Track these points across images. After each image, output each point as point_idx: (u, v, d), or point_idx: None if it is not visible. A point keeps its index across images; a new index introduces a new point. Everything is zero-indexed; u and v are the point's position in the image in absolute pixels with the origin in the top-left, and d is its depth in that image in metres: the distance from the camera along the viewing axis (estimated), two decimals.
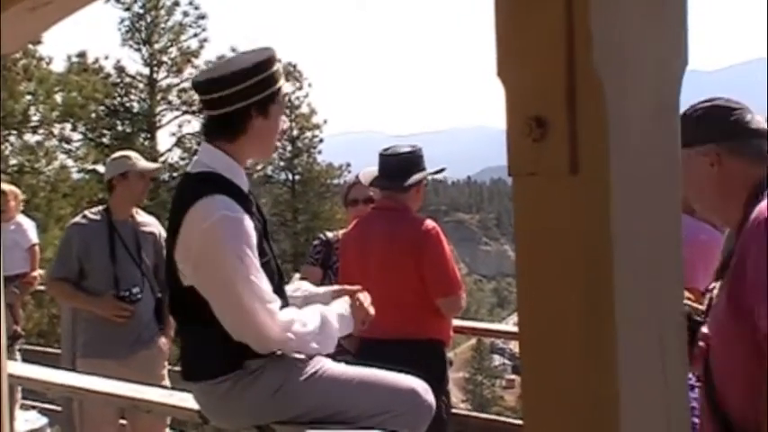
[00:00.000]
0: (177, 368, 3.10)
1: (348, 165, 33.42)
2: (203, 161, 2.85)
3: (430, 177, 4.65)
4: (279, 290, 2.84)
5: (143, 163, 5.30)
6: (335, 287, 3.14)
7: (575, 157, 1.19)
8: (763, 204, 2.18)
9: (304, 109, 32.84)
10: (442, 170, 4.82)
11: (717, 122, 2.41)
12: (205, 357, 2.79)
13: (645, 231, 1.24)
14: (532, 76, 1.23)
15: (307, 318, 2.75)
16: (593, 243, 1.19)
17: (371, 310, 2.95)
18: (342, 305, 2.91)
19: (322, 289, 3.17)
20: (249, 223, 2.69)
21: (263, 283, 2.67)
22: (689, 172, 2.36)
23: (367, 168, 4.72)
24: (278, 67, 2.83)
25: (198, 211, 2.69)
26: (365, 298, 2.98)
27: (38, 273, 7.49)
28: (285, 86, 2.88)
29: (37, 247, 7.50)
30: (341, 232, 5.07)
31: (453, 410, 4.97)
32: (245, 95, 2.78)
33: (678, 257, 1.30)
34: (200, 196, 2.72)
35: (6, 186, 7.57)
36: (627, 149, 1.21)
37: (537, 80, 1.23)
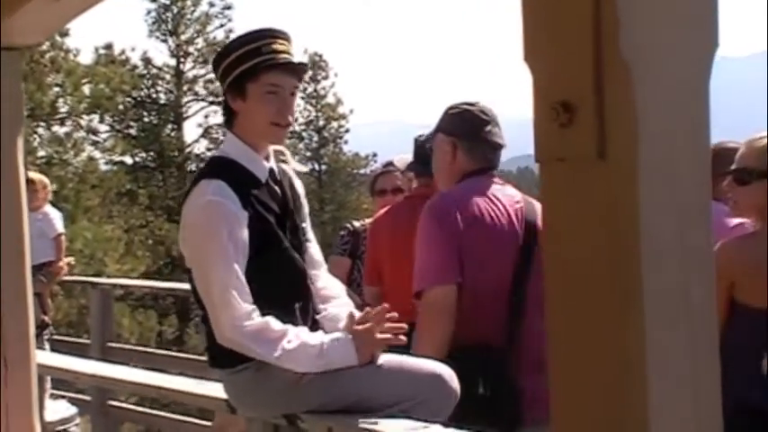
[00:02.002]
0: (205, 357, 3.11)
1: (374, 154, 33.38)
2: (222, 147, 2.92)
3: None
4: (296, 281, 2.82)
5: (294, 163, 5.39)
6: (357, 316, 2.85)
7: (602, 142, 1.18)
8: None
9: (330, 99, 32.85)
10: None
11: (462, 123, 3.23)
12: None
13: (673, 217, 1.22)
14: (560, 61, 1.22)
15: (278, 332, 2.66)
16: (621, 229, 1.18)
17: (380, 337, 2.74)
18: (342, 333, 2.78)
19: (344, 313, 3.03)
20: (235, 211, 2.67)
21: (230, 273, 2.65)
22: (436, 150, 3.24)
23: (398, 156, 4.69)
24: (255, 45, 2.75)
25: (192, 194, 2.75)
26: (377, 324, 2.76)
27: (64, 262, 7.55)
28: (276, 62, 2.76)
29: (63, 237, 7.56)
30: (368, 221, 5.04)
31: None
32: (221, 80, 2.83)
33: (708, 244, 1.28)
34: (199, 180, 2.77)
35: (35, 175, 7.64)
36: (655, 135, 1.19)
37: (564, 65, 1.21)
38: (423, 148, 4.41)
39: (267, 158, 2.87)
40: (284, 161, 5.34)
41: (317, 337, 2.71)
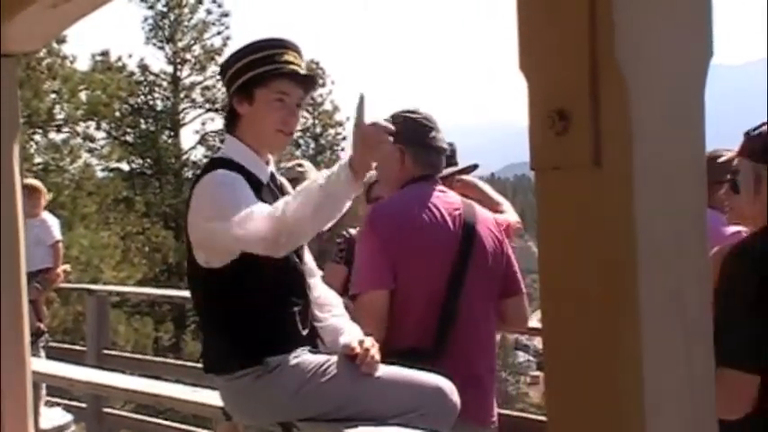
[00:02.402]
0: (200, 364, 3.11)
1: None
2: (223, 149, 2.91)
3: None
4: (295, 286, 2.82)
5: (314, 174, 5.46)
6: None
7: (598, 149, 1.18)
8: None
9: (327, 106, 32.86)
10: (474, 167, 4.65)
11: (408, 130, 3.14)
12: (224, 350, 2.79)
13: (669, 224, 1.22)
14: (555, 70, 1.22)
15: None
16: (617, 236, 1.18)
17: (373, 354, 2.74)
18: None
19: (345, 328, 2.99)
20: (242, 181, 2.68)
21: (244, 199, 2.61)
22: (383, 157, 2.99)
23: None
24: (268, 53, 2.80)
25: (200, 184, 2.75)
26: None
27: (61, 269, 7.55)
28: (288, 71, 2.79)
29: (60, 244, 7.56)
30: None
31: None
32: (229, 83, 2.85)
33: (704, 251, 1.28)
34: (206, 173, 2.78)
35: (36, 182, 7.66)
36: (650, 142, 1.19)
37: (560, 73, 1.21)
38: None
39: (267, 163, 2.89)
40: (302, 171, 5.34)
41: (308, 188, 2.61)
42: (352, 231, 5.31)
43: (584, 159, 1.19)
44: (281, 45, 2.84)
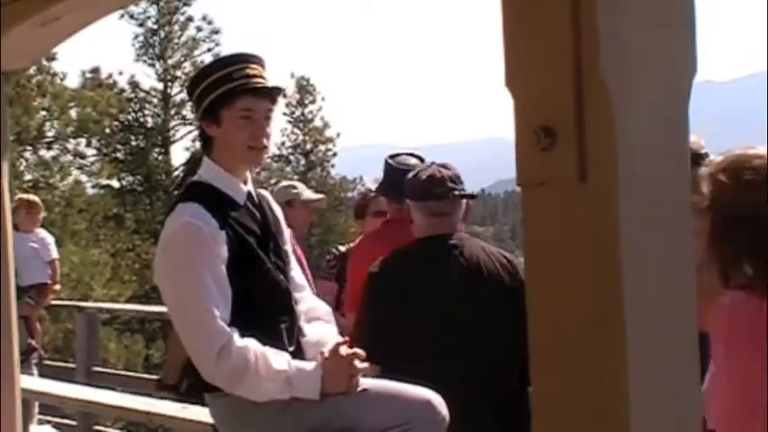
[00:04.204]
0: None
1: (362, 177, 33.41)
2: (200, 172, 2.89)
3: None
4: (280, 302, 2.82)
5: (308, 193, 5.46)
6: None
7: (583, 165, 1.19)
8: None
9: (317, 123, 32.94)
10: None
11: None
12: None
13: (654, 238, 1.23)
14: (540, 86, 1.23)
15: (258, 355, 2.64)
16: (602, 251, 1.19)
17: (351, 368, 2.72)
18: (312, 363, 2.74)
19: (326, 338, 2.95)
20: (210, 232, 2.68)
21: (210, 299, 2.63)
22: None
23: (375, 177, 4.69)
24: (227, 70, 2.77)
25: (169, 218, 2.75)
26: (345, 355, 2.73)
27: (58, 286, 7.58)
28: (248, 87, 2.76)
29: (58, 263, 7.58)
30: (353, 245, 5.04)
31: None
32: (196, 107, 2.85)
33: (688, 265, 1.30)
34: (176, 204, 2.78)
35: (34, 197, 7.69)
36: (635, 157, 1.20)
37: (545, 90, 1.23)
38: (400, 173, 4.38)
39: (245, 182, 2.87)
40: (296, 193, 5.34)
41: (284, 365, 2.67)
42: (342, 248, 5.32)
43: (569, 175, 1.20)
44: (240, 60, 2.80)
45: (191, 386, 2.91)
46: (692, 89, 1.28)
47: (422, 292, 3.21)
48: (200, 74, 2.88)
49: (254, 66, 2.80)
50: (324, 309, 3.07)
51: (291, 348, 2.79)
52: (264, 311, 2.76)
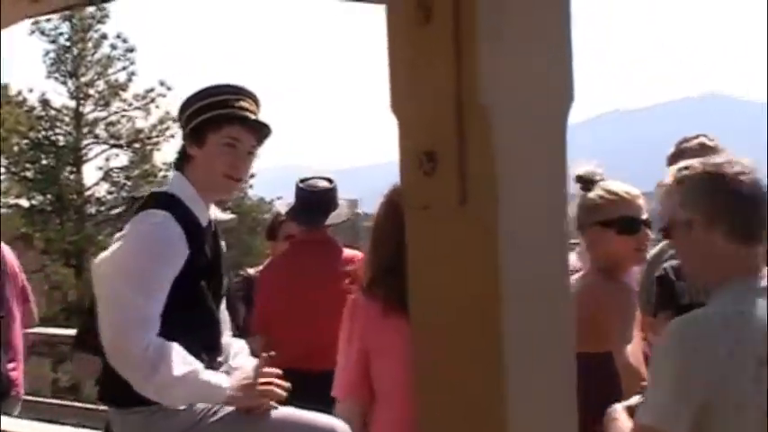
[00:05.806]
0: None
1: (280, 198, 33.25)
2: (168, 184, 2.89)
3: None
4: (209, 338, 2.81)
5: (218, 214, 5.34)
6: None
7: (463, 188, 1.23)
8: None
9: None
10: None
11: None
12: (124, 383, 2.74)
13: (532, 259, 1.27)
14: (424, 113, 1.27)
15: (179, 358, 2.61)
16: (482, 272, 1.22)
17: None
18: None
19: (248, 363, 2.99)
20: (180, 245, 2.67)
21: (158, 294, 2.62)
22: None
23: (285, 201, 4.69)
24: (223, 98, 2.80)
25: (140, 216, 2.74)
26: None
27: None
28: (240, 116, 2.79)
29: None
30: (261, 268, 5.02)
31: None
32: (184, 125, 2.85)
33: (565, 287, 1.34)
34: (144, 209, 2.75)
35: None
36: (514, 183, 1.24)
37: (428, 116, 1.26)
38: (321, 196, 4.40)
39: (208, 208, 2.88)
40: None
41: (199, 364, 2.64)
42: (251, 271, 5.29)
43: (450, 199, 1.23)
44: (237, 91, 2.84)
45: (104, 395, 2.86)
46: (568, 115, 1.33)
47: None
48: (196, 94, 2.86)
49: (249, 100, 2.84)
50: (239, 344, 3.06)
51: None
52: (194, 343, 2.73)
